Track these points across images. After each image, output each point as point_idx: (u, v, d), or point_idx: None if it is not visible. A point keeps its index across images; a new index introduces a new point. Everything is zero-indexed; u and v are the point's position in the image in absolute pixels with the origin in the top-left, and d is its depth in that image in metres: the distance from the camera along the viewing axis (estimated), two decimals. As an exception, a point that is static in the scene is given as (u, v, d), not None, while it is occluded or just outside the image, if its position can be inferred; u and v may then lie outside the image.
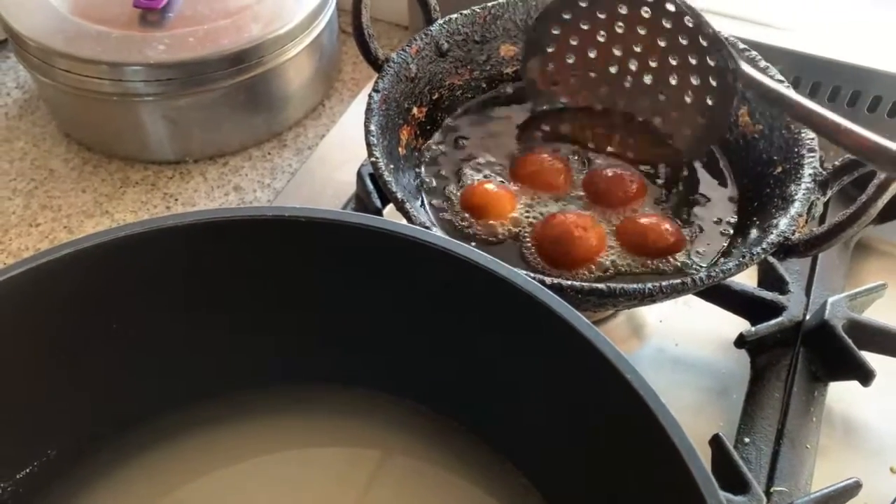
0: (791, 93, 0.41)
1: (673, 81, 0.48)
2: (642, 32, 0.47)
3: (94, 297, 0.32)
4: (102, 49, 0.54)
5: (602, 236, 0.45)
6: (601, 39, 0.49)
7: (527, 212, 0.47)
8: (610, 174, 0.48)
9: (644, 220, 0.45)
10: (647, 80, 0.49)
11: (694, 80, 0.46)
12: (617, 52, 0.49)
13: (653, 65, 0.48)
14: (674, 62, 0.47)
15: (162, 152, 0.59)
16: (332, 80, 0.68)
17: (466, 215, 0.46)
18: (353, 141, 0.59)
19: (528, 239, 0.45)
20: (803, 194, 0.41)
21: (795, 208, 0.40)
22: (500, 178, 0.48)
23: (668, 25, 0.46)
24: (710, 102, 0.46)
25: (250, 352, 0.37)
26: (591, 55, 0.50)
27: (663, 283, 0.37)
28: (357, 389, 0.39)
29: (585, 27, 0.49)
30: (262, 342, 0.37)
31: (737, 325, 0.48)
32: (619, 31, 0.48)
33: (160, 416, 0.37)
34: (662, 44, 0.47)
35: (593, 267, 0.44)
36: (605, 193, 0.47)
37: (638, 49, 0.48)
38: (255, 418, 0.38)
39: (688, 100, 0.47)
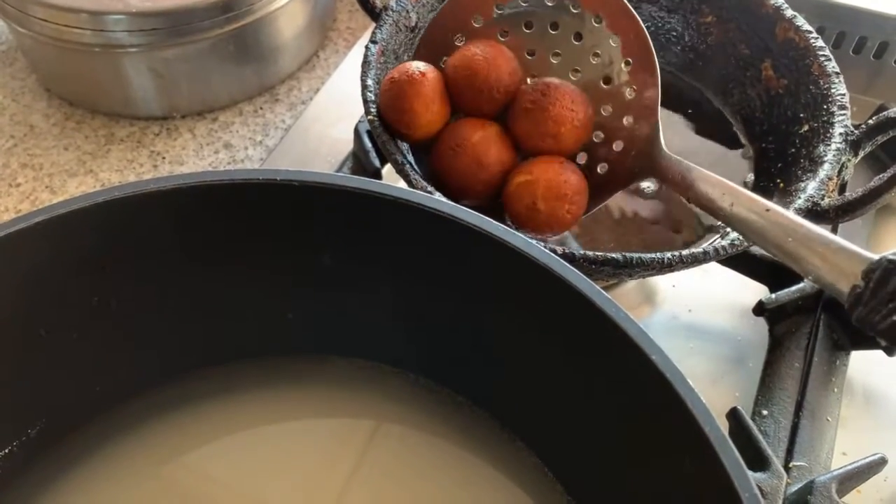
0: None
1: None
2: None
3: (71, 268, 0.30)
4: (82, -4, 0.51)
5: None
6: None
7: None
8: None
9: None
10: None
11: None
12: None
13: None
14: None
15: (148, 107, 0.56)
16: (327, 30, 0.65)
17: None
18: (350, 95, 0.56)
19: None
20: (833, 155, 0.38)
21: (825, 171, 0.38)
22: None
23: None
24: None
25: (247, 323, 0.36)
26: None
27: (683, 253, 0.34)
28: (356, 361, 0.38)
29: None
30: (259, 312, 0.36)
31: (752, 290, 0.46)
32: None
33: (154, 390, 0.36)
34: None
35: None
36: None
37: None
38: (257, 390, 0.37)
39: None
